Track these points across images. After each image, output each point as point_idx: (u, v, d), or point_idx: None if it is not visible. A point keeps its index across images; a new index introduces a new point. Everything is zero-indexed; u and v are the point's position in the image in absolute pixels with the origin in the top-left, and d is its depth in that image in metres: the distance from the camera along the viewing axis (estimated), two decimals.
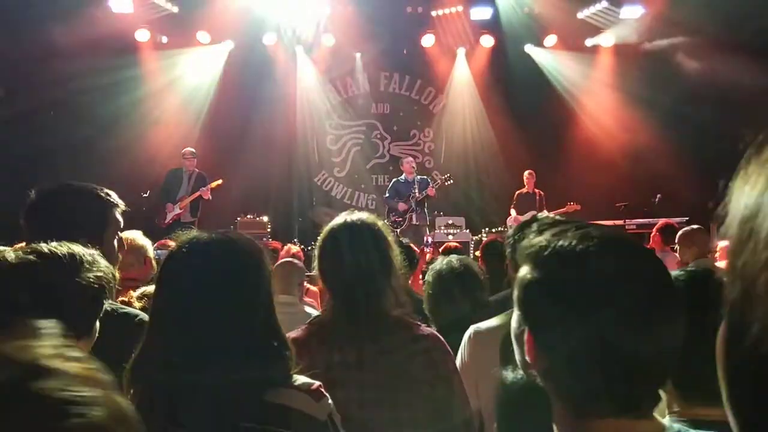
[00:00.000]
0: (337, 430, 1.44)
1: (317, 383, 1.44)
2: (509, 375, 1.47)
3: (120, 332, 1.86)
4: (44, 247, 1.52)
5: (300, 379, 1.43)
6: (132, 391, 1.38)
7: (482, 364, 2.18)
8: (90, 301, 1.53)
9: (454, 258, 2.97)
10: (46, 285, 1.45)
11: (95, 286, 1.52)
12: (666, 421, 1.39)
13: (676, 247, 5.57)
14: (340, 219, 1.99)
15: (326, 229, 1.98)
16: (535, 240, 0.97)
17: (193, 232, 1.50)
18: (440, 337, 1.95)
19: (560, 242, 0.93)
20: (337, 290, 1.93)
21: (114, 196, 2.11)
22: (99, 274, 1.54)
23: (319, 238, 1.99)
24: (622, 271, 0.91)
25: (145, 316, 2.02)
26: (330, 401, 1.44)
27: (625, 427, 0.92)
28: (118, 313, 1.97)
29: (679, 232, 5.32)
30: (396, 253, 1.99)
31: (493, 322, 2.41)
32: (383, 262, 1.92)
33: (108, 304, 2.00)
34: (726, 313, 0.61)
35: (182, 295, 1.41)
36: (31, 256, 1.48)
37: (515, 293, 1.00)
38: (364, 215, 2.02)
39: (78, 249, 1.54)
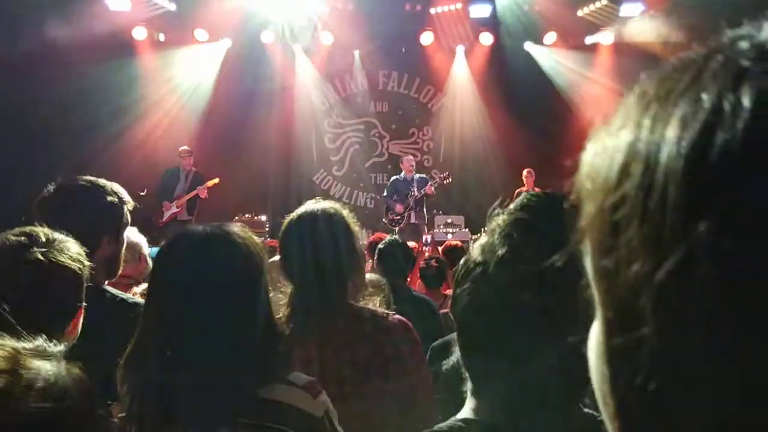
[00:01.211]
0: (334, 427, 1.41)
1: (313, 379, 1.41)
2: (448, 362, 1.49)
3: (132, 320, 1.92)
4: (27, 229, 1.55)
5: (297, 375, 1.41)
6: (125, 388, 1.35)
7: None
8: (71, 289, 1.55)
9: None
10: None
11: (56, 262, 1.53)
12: None
13: None
14: (301, 209, 1.96)
15: (287, 219, 1.95)
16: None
17: (188, 226, 1.49)
18: (409, 325, 1.89)
19: None
20: (297, 282, 1.87)
21: (126, 194, 2.14)
22: (64, 251, 1.56)
23: (281, 228, 1.95)
24: None
25: None
26: (326, 397, 1.41)
27: None
28: (129, 303, 2.01)
29: None
30: (360, 243, 1.96)
31: None
32: (346, 252, 1.87)
33: (118, 294, 2.05)
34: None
35: (176, 290, 1.37)
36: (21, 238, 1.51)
37: None
38: (326, 204, 1.97)
39: (46, 230, 1.56)
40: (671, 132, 0.35)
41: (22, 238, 1.50)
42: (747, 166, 0.32)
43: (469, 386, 1.01)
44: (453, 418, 1.01)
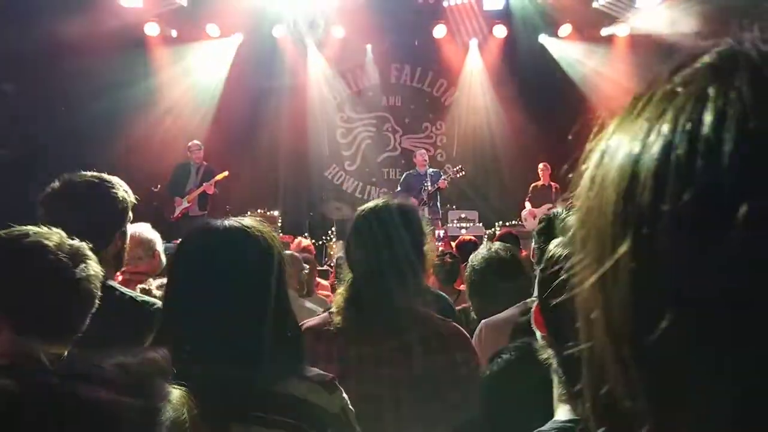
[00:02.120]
0: (350, 424, 1.41)
1: (331, 375, 1.40)
2: (491, 366, 1.48)
3: (138, 319, 1.92)
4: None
5: (313, 370, 1.40)
6: None
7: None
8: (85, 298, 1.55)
9: (500, 246, 2.89)
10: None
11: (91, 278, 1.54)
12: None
13: None
14: (372, 203, 1.93)
15: (356, 214, 1.93)
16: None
17: (206, 221, 1.48)
18: (466, 335, 1.88)
19: None
20: (359, 280, 1.85)
21: (129, 191, 2.14)
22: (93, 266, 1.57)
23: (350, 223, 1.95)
24: None
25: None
26: (344, 394, 1.40)
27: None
28: (138, 302, 2.01)
29: None
30: (429, 245, 1.91)
31: (503, 314, 2.37)
32: (412, 252, 1.83)
33: (127, 292, 2.06)
34: None
35: (194, 284, 1.38)
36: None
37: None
38: (403, 200, 1.96)
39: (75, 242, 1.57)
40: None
41: (62, 255, 1.49)
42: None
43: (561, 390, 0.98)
44: (552, 421, 0.99)
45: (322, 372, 1.42)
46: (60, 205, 1.95)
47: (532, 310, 0.99)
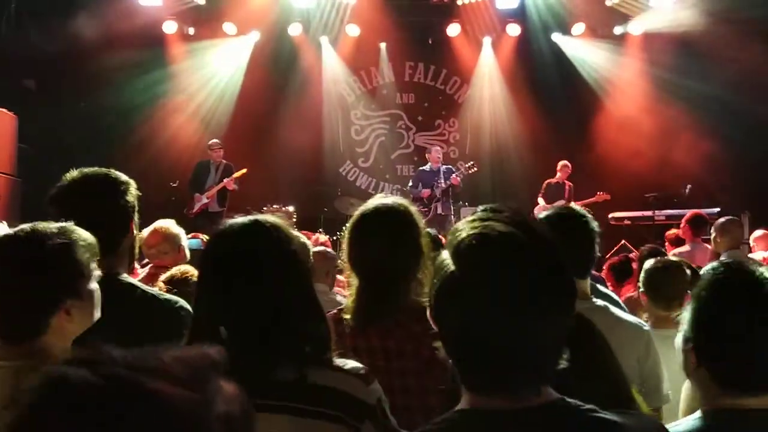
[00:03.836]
0: (386, 416, 1.43)
1: (366, 367, 1.44)
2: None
3: (161, 317, 1.95)
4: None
5: (349, 363, 1.44)
6: None
7: None
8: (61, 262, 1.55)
9: None
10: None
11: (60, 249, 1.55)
12: (695, 416, 1.38)
13: (708, 237, 5.49)
14: (371, 203, 1.98)
15: (356, 213, 1.97)
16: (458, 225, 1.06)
17: (236, 216, 1.50)
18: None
19: (460, 234, 1.02)
20: (365, 275, 1.90)
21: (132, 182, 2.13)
22: (63, 240, 1.56)
23: (348, 222, 1.98)
24: (484, 268, 0.98)
25: (184, 303, 2.05)
26: (379, 386, 1.44)
27: (496, 402, 1.00)
28: (160, 299, 2.02)
29: (715, 223, 5.23)
30: (426, 240, 1.97)
31: None
32: (412, 249, 1.89)
33: (148, 290, 2.07)
34: None
35: (223, 277, 1.41)
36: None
37: None
38: (396, 200, 2.00)
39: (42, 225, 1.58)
40: None
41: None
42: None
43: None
44: (449, 411, 1.04)
45: (357, 364, 1.44)
46: (73, 202, 1.93)
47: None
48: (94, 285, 1.61)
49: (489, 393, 1.00)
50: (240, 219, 1.49)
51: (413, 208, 1.99)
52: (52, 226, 1.58)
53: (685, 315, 1.42)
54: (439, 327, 1.04)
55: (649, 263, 2.80)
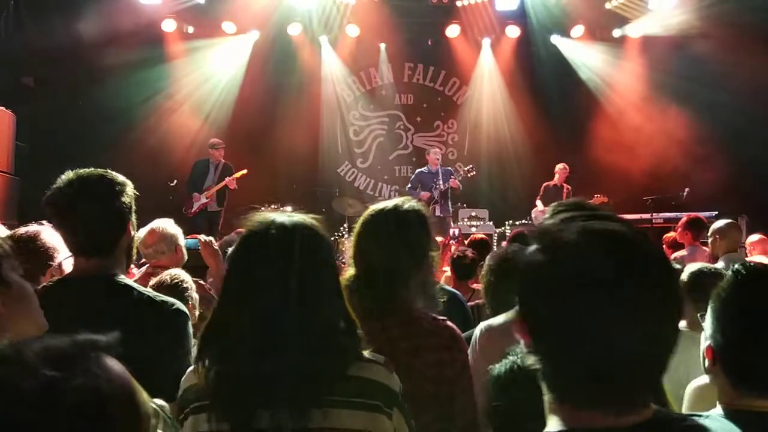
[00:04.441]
0: (404, 402, 1.48)
1: (386, 358, 1.48)
2: (495, 368, 1.50)
3: (157, 319, 1.95)
4: None
5: (372, 353, 1.48)
6: (207, 377, 1.40)
7: (493, 359, 2.16)
8: None
9: (516, 246, 2.88)
10: None
11: None
12: (717, 411, 1.39)
13: (706, 240, 5.49)
14: (380, 205, 1.97)
15: (365, 213, 1.97)
16: (546, 222, 0.97)
17: (270, 214, 1.52)
18: (458, 334, 1.89)
19: (563, 232, 0.92)
20: (361, 274, 1.90)
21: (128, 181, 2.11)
22: None
23: (359, 220, 1.98)
24: (617, 268, 0.88)
25: (180, 305, 2.05)
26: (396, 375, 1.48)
27: (602, 419, 0.90)
28: (157, 301, 2.00)
29: (713, 226, 5.24)
30: (432, 244, 1.96)
31: (504, 317, 2.37)
32: (413, 251, 1.88)
33: (145, 291, 2.05)
34: None
35: (256, 277, 1.42)
36: None
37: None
38: (404, 202, 1.99)
39: None
40: None
41: None
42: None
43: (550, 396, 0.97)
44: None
45: (376, 354, 1.48)
46: (70, 203, 1.93)
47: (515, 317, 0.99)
48: (20, 280, 1.47)
49: (592, 406, 0.90)
50: (280, 216, 1.51)
51: (423, 210, 1.98)
52: None
53: (707, 316, 1.45)
54: (537, 334, 0.93)
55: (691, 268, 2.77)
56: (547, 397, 0.96)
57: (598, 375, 0.89)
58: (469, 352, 2.26)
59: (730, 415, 1.35)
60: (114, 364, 0.73)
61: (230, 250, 2.86)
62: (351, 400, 1.38)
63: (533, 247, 0.95)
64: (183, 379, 1.50)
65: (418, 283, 1.88)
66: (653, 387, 0.95)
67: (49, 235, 2.49)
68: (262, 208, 6.96)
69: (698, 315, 1.61)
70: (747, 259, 5.43)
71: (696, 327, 2.49)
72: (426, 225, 1.96)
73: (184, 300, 2.87)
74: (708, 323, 1.44)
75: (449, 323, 1.91)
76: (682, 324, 2.36)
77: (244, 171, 8.96)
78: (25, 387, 0.64)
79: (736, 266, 1.44)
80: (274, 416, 1.34)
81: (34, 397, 0.64)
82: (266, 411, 1.35)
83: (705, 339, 1.46)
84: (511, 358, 1.49)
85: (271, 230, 1.46)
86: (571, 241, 0.90)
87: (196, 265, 3.36)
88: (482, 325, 2.40)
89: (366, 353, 1.47)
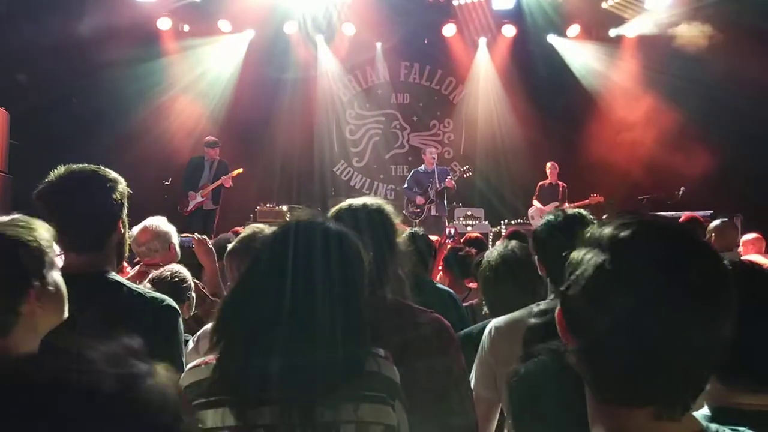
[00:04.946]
0: (403, 395, 1.50)
1: (387, 351, 1.50)
2: (523, 367, 1.46)
3: (147, 315, 1.93)
4: None
5: (378, 347, 1.50)
6: (220, 374, 1.40)
7: (502, 357, 2.16)
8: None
9: (516, 245, 2.87)
10: None
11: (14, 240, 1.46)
12: (703, 412, 1.38)
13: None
14: (345, 203, 1.99)
15: (332, 211, 1.98)
16: (604, 230, 0.94)
17: (300, 215, 1.55)
18: (444, 322, 1.91)
19: (622, 232, 0.90)
20: None
21: (122, 179, 2.09)
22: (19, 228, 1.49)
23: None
24: (671, 262, 0.86)
25: (171, 301, 2.03)
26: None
27: (646, 419, 0.89)
28: (147, 297, 1.99)
29: (711, 225, 5.26)
30: (401, 239, 1.98)
31: (513, 315, 2.37)
32: (384, 246, 1.89)
33: (135, 288, 2.04)
34: None
35: (292, 274, 1.43)
36: None
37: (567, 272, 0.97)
38: (369, 200, 2.00)
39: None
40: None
41: None
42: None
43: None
44: None
45: (378, 347, 1.50)
46: (59, 198, 1.93)
47: (555, 315, 0.97)
48: (58, 275, 1.53)
49: (634, 405, 0.89)
50: (311, 217, 1.54)
51: (388, 207, 1.99)
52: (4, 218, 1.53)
53: None
54: (579, 331, 0.91)
55: None
56: (589, 401, 0.94)
57: (640, 373, 0.87)
58: (478, 350, 2.29)
59: (721, 415, 1.34)
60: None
61: (230, 246, 2.86)
62: (364, 394, 1.41)
63: (587, 251, 0.93)
64: (182, 376, 1.47)
65: (392, 275, 1.90)
66: (696, 393, 0.91)
67: None
68: (258, 207, 6.88)
69: None
70: (744, 257, 5.43)
71: None
72: (390, 217, 1.97)
73: (183, 298, 2.85)
74: None
75: (436, 314, 1.93)
76: None
77: (240, 170, 8.92)
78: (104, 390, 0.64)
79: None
80: (288, 410, 1.37)
81: (114, 398, 0.65)
82: (270, 407, 1.37)
83: None
84: (541, 357, 1.48)
85: (307, 229, 1.50)
86: (626, 237, 0.89)
87: (189, 263, 3.34)
88: (492, 323, 2.39)
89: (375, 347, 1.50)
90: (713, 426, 0.94)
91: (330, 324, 1.40)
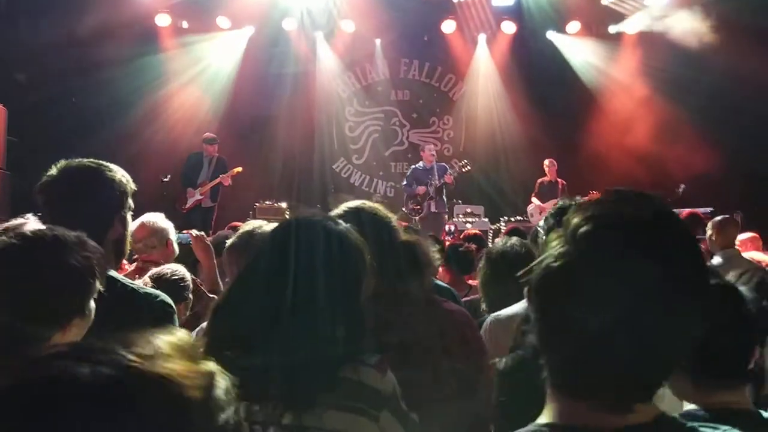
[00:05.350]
0: (399, 403, 1.46)
1: (382, 356, 1.47)
2: (503, 360, 1.50)
3: (141, 312, 1.92)
4: (27, 230, 1.53)
5: (369, 354, 1.47)
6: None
7: (501, 350, 2.17)
8: (77, 282, 1.50)
9: (516, 240, 2.85)
10: (29, 266, 1.45)
11: (81, 266, 1.49)
12: (689, 408, 1.37)
13: (702, 238, 5.48)
14: (343, 205, 2.00)
15: (341, 209, 1.97)
16: (573, 220, 0.92)
17: (295, 215, 1.59)
18: (468, 314, 1.97)
19: (578, 216, 0.89)
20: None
21: (129, 178, 2.08)
22: (86, 254, 1.51)
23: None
24: (623, 258, 0.84)
25: (165, 297, 2.01)
26: (392, 375, 1.46)
27: (593, 415, 0.87)
28: (140, 293, 1.98)
29: (712, 222, 5.25)
30: (403, 235, 2.00)
31: (512, 309, 2.37)
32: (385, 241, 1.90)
33: (129, 284, 2.02)
34: None
35: (284, 275, 1.42)
36: (13, 240, 1.48)
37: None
38: (361, 201, 2.03)
39: (61, 231, 1.53)
40: None
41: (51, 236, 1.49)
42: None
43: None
44: (534, 424, 0.93)
45: (373, 354, 1.47)
46: (58, 192, 1.93)
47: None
48: (92, 303, 1.57)
49: (588, 398, 0.87)
50: (306, 216, 1.54)
51: (380, 207, 2.00)
52: (71, 235, 1.55)
53: None
54: (541, 315, 0.91)
55: None
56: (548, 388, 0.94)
57: (588, 362, 0.86)
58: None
59: (714, 413, 1.33)
60: None
61: (229, 242, 2.85)
62: (336, 402, 1.38)
63: (556, 237, 0.92)
64: None
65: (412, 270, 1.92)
66: (657, 386, 0.90)
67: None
68: (257, 204, 6.88)
69: None
70: (743, 254, 5.42)
71: None
72: (384, 216, 1.98)
73: (181, 298, 2.84)
74: None
75: (456, 305, 2.01)
76: None
77: (239, 169, 8.90)
78: (188, 384, 0.64)
79: None
80: (263, 411, 1.37)
81: (199, 395, 0.64)
82: (257, 405, 1.38)
83: None
84: (519, 352, 1.49)
85: (302, 227, 1.49)
86: (575, 228, 0.88)
87: (185, 261, 3.33)
88: (491, 316, 2.41)
89: (366, 353, 1.46)
90: (668, 416, 0.92)
91: (309, 328, 1.39)
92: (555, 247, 0.89)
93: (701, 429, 0.92)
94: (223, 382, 0.67)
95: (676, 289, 0.84)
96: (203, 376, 0.65)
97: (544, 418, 0.92)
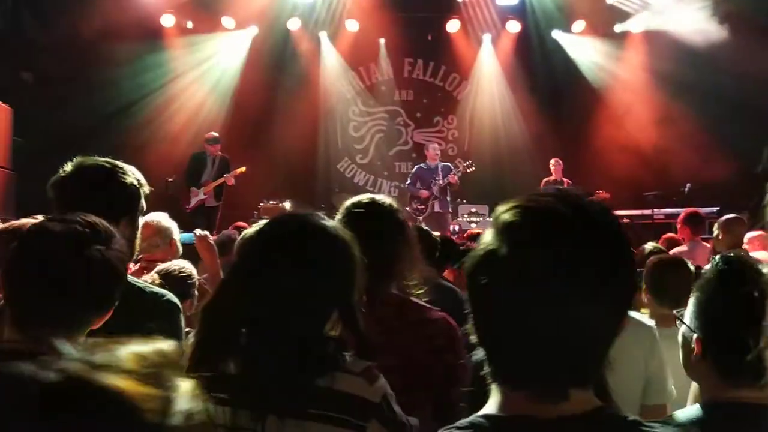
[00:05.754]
0: (392, 410, 1.42)
1: (370, 364, 1.42)
2: (475, 354, 1.51)
3: (146, 310, 1.90)
4: (59, 218, 1.50)
5: (353, 361, 1.42)
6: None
7: None
8: (122, 274, 1.52)
9: None
10: (61, 255, 1.43)
11: (113, 259, 1.48)
12: (692, 410, 1.37)
13: (706, 236, 5.46)
14: (352, 199, 1.99)
15: (343, 206, 1.97)
16: (499, 210, 0.97)
17: (283, 214, 1.53)
18: (451, 322, 1.90)
19: (503, 209, 0.93)
20: None
21: (143, 181, 2.08)
22: (117, 247, 1.51)
23: (337, 215, 1.98)
24: (537, 247, 0.87)
25: (171, 296, 2.01)
26: (384, 381, 1.42)
27: (529, 405, 0.89)
28: (147, 292, 1.97)
29: (719, 221, 5.21)
30: (411, 237, 1.97)
31: None
32: (392, 244, 1.88)
33: (135, 282, 2.02)
34: None
35: (261, 280, 1.39)
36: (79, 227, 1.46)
37: None
38: (375, 196, 2.01)
39: (93, 219, 1.51)
40: None
41: (86, 229, 1.45)
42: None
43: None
44: (474, 415, 0.95)
45: (362, 362, 1.42)
46: (70, 188, 1.93)
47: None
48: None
49: (519, 386, 0.89)
50: (291, 217, 1.52)
51: (393, 203, 1.98)
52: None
53: (689, 307, 1.45)
54: (471, 306, 0.94)
55: (652, 261, 2.77)
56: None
57: (514, 347, 0.89)
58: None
59: (713, 407, 1.36)
60: None
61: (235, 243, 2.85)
62: (316, 413, 1.35)
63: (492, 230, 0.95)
64: None
65: (401, 273, 1.90)
66: (585, 375, 0.90)
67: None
68: (261, 204, 6.90)
69: (674, 311, 1.60)
70: (750, 254, 5.39)
71: (665, 322, 2.43)
72: (396, 214, 1.96)
73: (188, 294, 2.85)
74: (691, 316, 1.44)
75: (441, 312, 1.93)
76: (651, 322, 2.37)
77: (243, 168, 8.89)
78: (135, 400, 0.63)
79: (717, 258, 1.46)
80: (245, 417, 1.35)
81: (146, 411, 0.63)
82: (240, 411, 1.35)
83: (686, 333, 1.47)
84: None
85: (282, 231, 1.46)
86: (497, 219, 0.92)
87: (190, 259, 3.33)
88: None
89: (351, 361, 1.42)
90: (609, 409, 0.92)
91: (289, 335, 1.36)
92: (485, 239, 0.93)
93: (643, 427, 0.91)
94: (182, 405, 0.65)
95: (588, 274, 0.85)
96: (155, 398, 0.63)
97: (485, 410, 0.93)
